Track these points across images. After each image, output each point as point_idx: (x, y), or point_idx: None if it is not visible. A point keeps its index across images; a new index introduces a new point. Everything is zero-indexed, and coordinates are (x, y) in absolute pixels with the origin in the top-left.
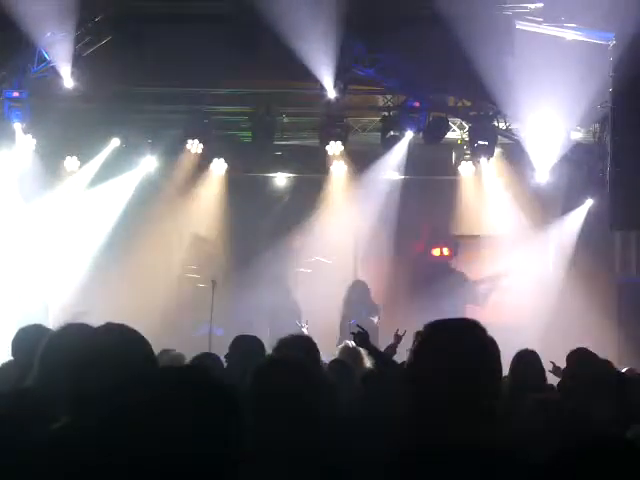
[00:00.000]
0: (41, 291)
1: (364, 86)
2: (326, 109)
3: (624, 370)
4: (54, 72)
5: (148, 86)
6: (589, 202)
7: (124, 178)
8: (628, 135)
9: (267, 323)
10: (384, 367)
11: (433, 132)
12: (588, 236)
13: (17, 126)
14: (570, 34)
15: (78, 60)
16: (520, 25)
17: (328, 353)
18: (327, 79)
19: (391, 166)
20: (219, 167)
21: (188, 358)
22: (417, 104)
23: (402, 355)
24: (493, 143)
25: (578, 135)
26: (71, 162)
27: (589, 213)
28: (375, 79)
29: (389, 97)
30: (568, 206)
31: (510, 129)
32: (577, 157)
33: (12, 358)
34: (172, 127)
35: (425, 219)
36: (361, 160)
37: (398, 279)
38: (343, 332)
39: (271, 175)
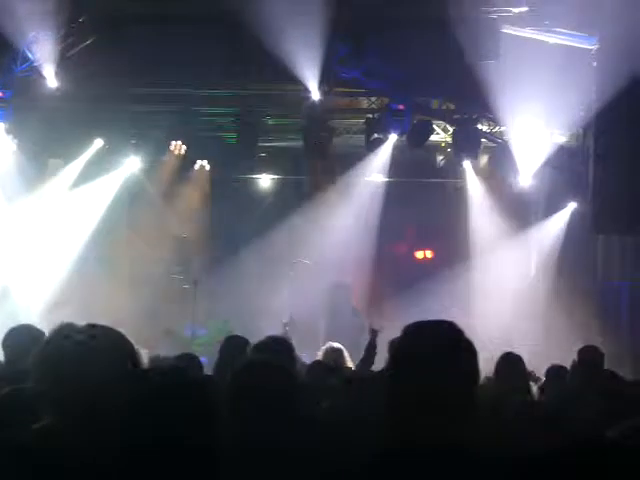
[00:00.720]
0: (24, 290)
1: (348, 88)
2: (310, 111)
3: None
4: (38, 72)
5: (132, 87)
6: (572, 206)
7: (107, 179)
8: (611, 139)
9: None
10: (366, 368)
11: (417, 135)
12: (570, 240)
13: (0, 126)
14: (554, 38)
15: (62, 60)
16: (505, 29)
17: (310, 353)
18: (311, 81)
19: (375, 168)
20: (203, 168)
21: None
22: (401, 107)
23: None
24: (477, 146)
25: (561, 139)
26: (54, 162)
27: (572, 217)
28: (359, 81)
29: (373, 99)
30: (551, 209)
31: (494, 132)
32: (560, 161)
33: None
34: (156, 128)
35: (409, 222)
36: (345, 162)
37: (381, 281)
38: (329, 334)
39: (255, 176)
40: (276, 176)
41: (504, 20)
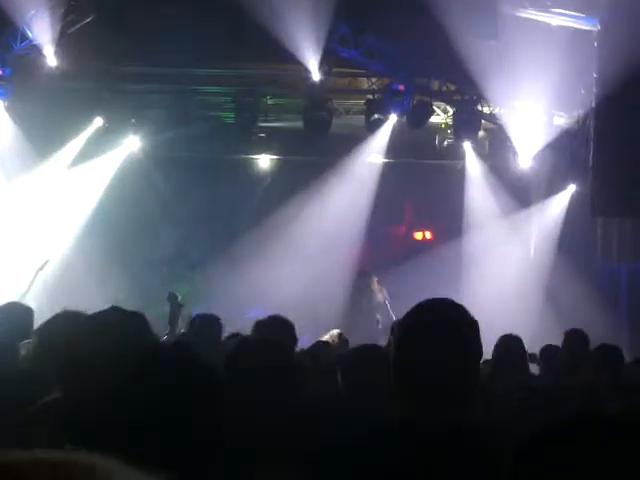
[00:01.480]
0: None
1: (349, 69)
2: (310, 91)
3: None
4: (37, 50)
5: (132, 65)
6: (572, 188)
7: (107, 158)
8: (611, 121)
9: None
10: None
11: (417, 116)
12: (570, 221)
13: (0, 104)
14: (555, 19)
15: (61, 38)
16: (506, 10)
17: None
18: (312, 61)
19: (375, 149)
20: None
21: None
22: (401, 88)
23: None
24: (477, 127)
25: (561, 121)
26: (54, 140)
27: (572, 198)
28: (360, 62)
29: (374, 80)
30: (551, 191)
31: (494, 114)
32: (560, 143)
33: None
34: (155, 107)
35: (408, 202)
36: (345, 143)
37: (379, 262)
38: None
39: (254, 157)
40: (275, 156)
41: (505, 1)
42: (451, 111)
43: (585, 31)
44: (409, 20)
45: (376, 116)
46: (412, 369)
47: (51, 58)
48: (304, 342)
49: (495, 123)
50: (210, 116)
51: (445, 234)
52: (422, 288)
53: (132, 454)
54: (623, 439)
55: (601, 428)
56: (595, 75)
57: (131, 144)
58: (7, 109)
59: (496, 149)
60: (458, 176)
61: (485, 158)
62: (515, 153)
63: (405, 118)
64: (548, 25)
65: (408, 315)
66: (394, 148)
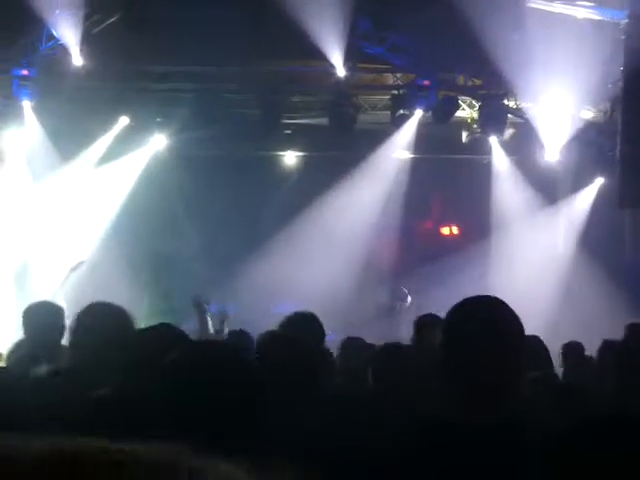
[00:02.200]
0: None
1: (373, 64)
2: (335, 88)
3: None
4: (63, 50)
5: (157, 64)
6: (599, 181)
7: (133, 157)
8: (638, 113)
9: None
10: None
11: (443, 111)
12: (598, 215)
13: (26, 104)
14: (582, 12)
15: (87, 38)
16: (532, 3)
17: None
18: (336, 58)
19: (400, 145)
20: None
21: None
22: (427, 83)
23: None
24: (503, 122)
25: (589, 114)
26: (80, 140)
27: (599, 192)
28: (385, 58)
29: (399, 76)
30: (578, 185)
31: (520, 108)
32: (587, 136)
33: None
34: (181, 105)
35: (435, 198)
36: (370, 139)
37: (407, 257)
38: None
39: (280, 154)
40: (301, 153)
41: None
42: (477, 105)
43: (612, 23)
44: (434, 14)
45: (401, 111)
46: (459, 368)
47: (76, 58)
48: (331, 338)
49: (521, 117)
50: (235, 114)
51: (472, 229)
52: (449, 283)
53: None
54: None
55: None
56: (622, 68)
57: (157, 143)
58: (33, 109)
59: (523, 143)
60: (484, 171)
61: (512, 152)
62: (542, 147)
63: (431, 113)
64: (574, 18)
65: (454, 313)
66: (420, 143)
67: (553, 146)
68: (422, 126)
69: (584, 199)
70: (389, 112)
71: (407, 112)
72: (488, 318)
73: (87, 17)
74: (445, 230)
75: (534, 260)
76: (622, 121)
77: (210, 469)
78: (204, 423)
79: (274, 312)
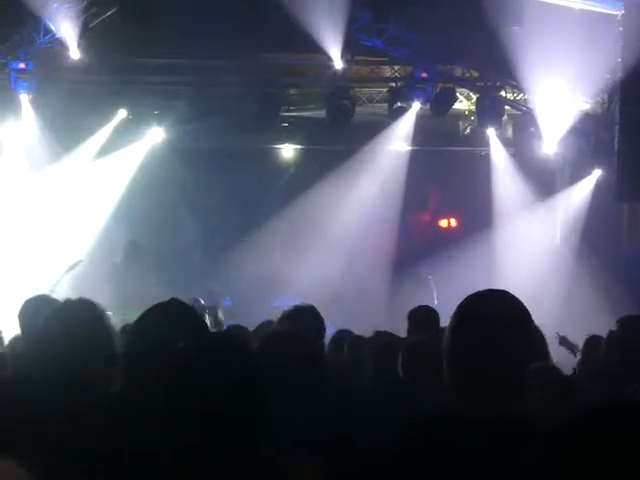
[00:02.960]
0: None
1: (371, 57)
2: (333, 80)
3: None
4: (60, 43)
5: (154, 57)
6: (597, 173)
7: (131, 149)
8: (636, 105)
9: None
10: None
11: (440, 103)
12: (596, 207)
13: (24, 97)
14: (579, 3)
15: (84, 31)
16: None
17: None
18: (334, 50)
19: (398, 137)
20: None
21: None
22: (424, 75)
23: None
24: (500, 114)
25: (586, 106)
26: (78, 133)
27: (597, 184)
28: (382, 50)
29: (396, 68)
30: (576, 177)
31: (518, 100)
32: (585, 128)
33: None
34: (178, 98)
35: (432, 190)
36: (368, 131)
37: (405, 250)
38: None
39: (277, 147)
40: (298, 146)
41: None
42: (474, 98)
43: (609, 15)
44: (431, 7)
45: (399, 104)
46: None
47: (74, 51)
48: (330, 332)
49: (519, 109)
50: (233, 107)
51: (470, 221)
52: (448, 276)
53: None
54: None
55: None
56: (619, 59)
57: (155, 135)
58: (31, 102)
59: (520, 135)
60: (482, 163)
61: (509, 144)
62: (539, 139)
63: (428, 105)
64: (572, 10)
65: (462, 306)
66: (417, 135)
67: (551, 138)
68: (420, 118)
69: (582, 191)
70: (386, 104)
71: (405, 104)
72: (497, 311)
73: (84, 10)
74: (443, 222)
75: (532, 252)
76: (620, 112)
77: None
78: (212, 415)
79: (271, 305)
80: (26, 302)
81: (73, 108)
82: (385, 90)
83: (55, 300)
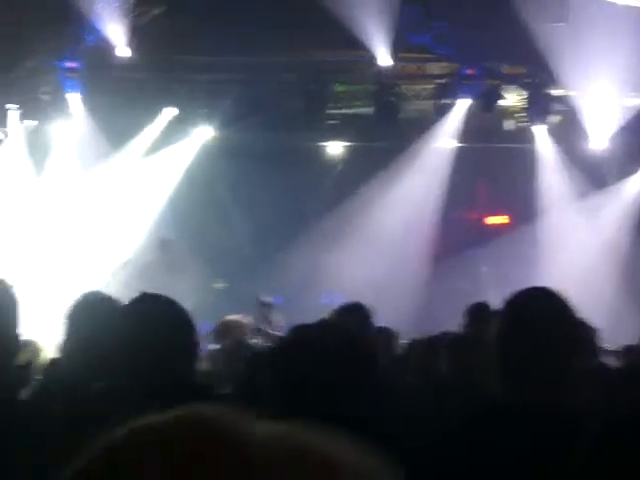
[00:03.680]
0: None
1: (418, 54)
2: (379, 77)
3: None
4: (109, 42)
5: (201, 55)
6: None
7: (179, 148)
8: None
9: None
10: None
11: (487, 100)
12: None
13: (73, 96)
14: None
15: (133, 30)
16: None
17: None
18: (380, 47)
19: (445, 134)
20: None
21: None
22: (471, 72)
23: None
24: (547, 110)
25: (634, 101)
26: (127, 132)
27: None
28: (429, 47)
29: (443, 65)
30: (625, 173)
31: (565, 96)
32: (633, 123)
33: None
34: (226, 96)
35: (480, 187)
36: (415, 128)
37: (451, 247)
38: None
39: (325, 144)
40: (346, 143)
41: None
42: (521, 94)
43: None
44: (478, 4)
45: (446, 101)
46: (516, 355)
47: (121, 49)
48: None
49: (566, 106)
50: (280, 104)
51: (518, 218)
52: (497, 273)
53: None
54: None
55: None
56: None
57: (203, 134)
58: (80, 101)
59: (568, 132)
60: (528, 159)
61: (557, 141)
62: (587, 135)
63: (475, 102)
64: (618, 5)
65: (512, 304)
66: (464, 132)
67: (599, 134)
68: (466, 115)
69: (631, 187)
70: (433, 101)
71: (451, 101)
72: (544, 309)
73: (132, 9)
74: (491, 219)
75: (581, 249)
76: None
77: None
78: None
79: (321, 303)
80: (77, 302)
81: (122, 106)
82: (431, 87)
83: (107, 295)
